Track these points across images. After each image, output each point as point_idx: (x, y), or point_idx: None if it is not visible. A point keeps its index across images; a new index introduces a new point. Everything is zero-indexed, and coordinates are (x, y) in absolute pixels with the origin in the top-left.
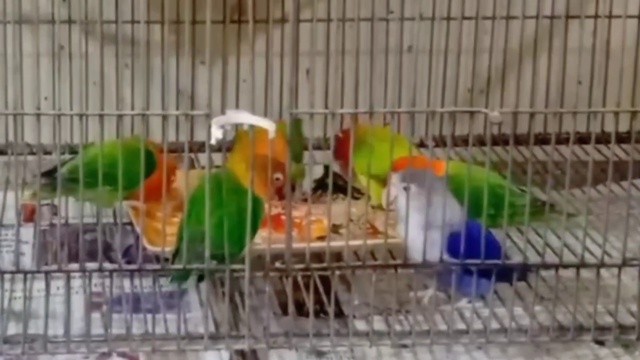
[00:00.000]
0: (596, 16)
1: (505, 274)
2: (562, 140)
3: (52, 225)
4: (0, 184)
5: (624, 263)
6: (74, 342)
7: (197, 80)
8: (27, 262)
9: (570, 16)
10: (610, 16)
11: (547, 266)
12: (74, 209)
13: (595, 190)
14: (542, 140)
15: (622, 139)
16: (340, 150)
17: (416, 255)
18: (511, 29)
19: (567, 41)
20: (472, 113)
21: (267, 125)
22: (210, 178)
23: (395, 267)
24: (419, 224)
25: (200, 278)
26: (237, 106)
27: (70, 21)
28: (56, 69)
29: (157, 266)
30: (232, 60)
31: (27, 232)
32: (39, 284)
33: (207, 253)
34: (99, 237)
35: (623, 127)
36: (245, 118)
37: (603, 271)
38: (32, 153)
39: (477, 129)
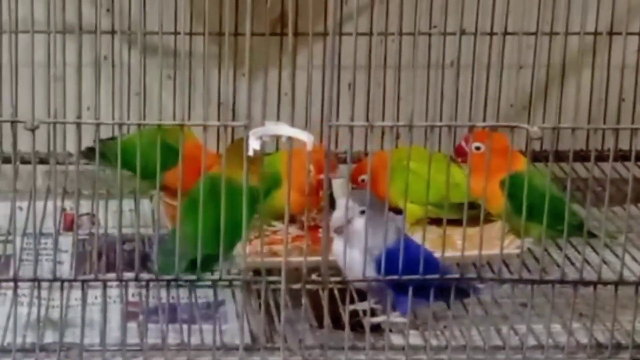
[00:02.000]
0: None
1: (444, 291)
2: (603, 157)
3: (91, 234)
4: (41, 193)
5: None
6: (109, 351)
7: (239, 92)
8: (66, 270)
9: (614, 33)
10: None
11: (585, 283)
12: (113, 219)
13: (637, 207)
14: (583, 156)
15: None
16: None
17: (354, 274)
18: (554, 45)
19: (610, 58)
20: (512, 128)
21: (305, 137)
22: (207, 181)
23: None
24: (362, 246)
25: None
26: (277, 118)
27: (112, 32)
28: (99, 79)
29: (193, 277)
30: (274, 72)
31: (66, 241)
32: (76, 293)
33: (242, 264)
34: (137, 247)
35: None
36: (283, 130)
37: None
38: (73, 162)
39: (519, 144)
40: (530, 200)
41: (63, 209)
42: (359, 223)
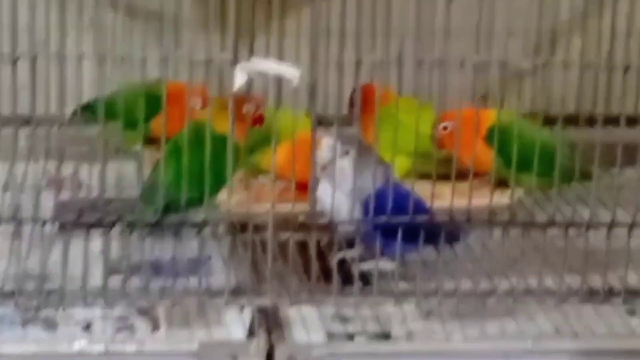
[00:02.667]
0: None
1: (433, 236)
2: (593, 120)
3: (73, 197)
4: (22, 156)
5: None
6: (91, 296)
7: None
8: (48, 228)
9: None
10: None
11: (576, 225)
12: (96, 180)
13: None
14: (573, 120)
15: None
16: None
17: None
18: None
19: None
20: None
21: (293, 72)
22: (191, 127)
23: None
24: (348, 188)
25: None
26: None
27: None
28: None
29: (178, 218)
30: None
31: (49, 201)
32: (56, 250)
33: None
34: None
35: None
36: (271, 66)
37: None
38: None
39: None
40: (519, 148)
41: (46, 171)
42: (345, 163)
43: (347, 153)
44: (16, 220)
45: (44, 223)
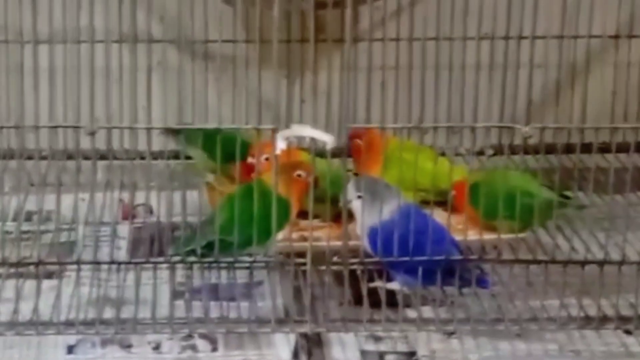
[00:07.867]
0: None
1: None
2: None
3: (145, 223)
4: (101, 186)
5: None
6: (159, 324)
7: (280, 92)
8: (122, 254)
9: (616, 36)
10: None
11: (572, 262)
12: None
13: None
14: (568, 149)
15: None
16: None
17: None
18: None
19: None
20: (508, 128)
21: (327, 138)
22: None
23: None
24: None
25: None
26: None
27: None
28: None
29: (231, 259)
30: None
31: (124, 229)
32: (131, 275)
33: (275, 249)
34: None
35: None
36: (308, 132)
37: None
38: (130, 158)
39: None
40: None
41: (120, 200)
42: (355, 205)
43: (359, 197)
44: (96, 262)
45: (119, 264)
